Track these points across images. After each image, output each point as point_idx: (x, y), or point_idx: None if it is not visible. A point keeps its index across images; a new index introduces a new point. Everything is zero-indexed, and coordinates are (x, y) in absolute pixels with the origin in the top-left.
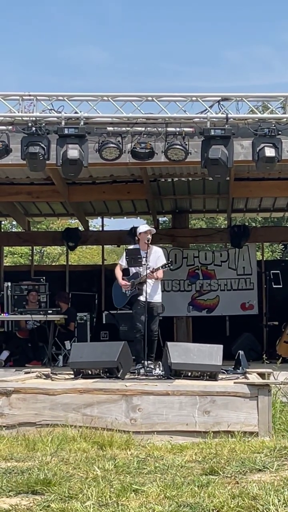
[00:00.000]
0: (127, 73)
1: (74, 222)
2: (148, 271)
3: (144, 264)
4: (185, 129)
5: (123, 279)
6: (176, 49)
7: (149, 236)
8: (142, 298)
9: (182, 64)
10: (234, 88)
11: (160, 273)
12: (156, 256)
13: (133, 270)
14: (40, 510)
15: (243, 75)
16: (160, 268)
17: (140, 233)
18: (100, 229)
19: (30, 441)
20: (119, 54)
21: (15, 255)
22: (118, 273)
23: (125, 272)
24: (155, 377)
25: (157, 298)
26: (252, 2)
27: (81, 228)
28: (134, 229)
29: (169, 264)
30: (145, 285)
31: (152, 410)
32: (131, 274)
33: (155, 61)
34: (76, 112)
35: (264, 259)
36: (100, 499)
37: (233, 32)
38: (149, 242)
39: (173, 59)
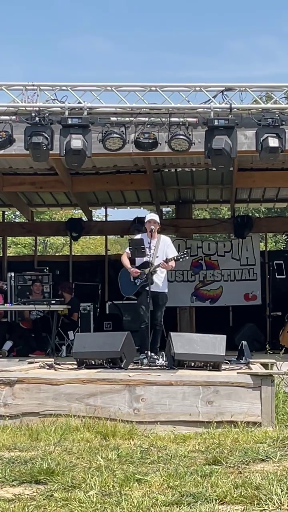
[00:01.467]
0: (131, 63)
1: (78, 213)
2: (160, 260)
3: (148, 255)
4: (189, 119)
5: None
6: (180, 39)
7: (152, 226)
8: (149, 288)
9: (186, 54)
10: (237, 78)
11: (173, 263)
12: (165, 245)
13: (142, 259)
14: (43, 499)
15: (246, 66)
16: (175, 259)
17: (145, 223)
18: (104, 219)
19: (34, 431)
20: (122, 44)
21: (19, 246)
22: (126, 261)
23: (131, 262)
24: (158, 367)
25: (165, 288)
26: None
27: (84, 218)
28: (137, 219)
29: (185, 255)
30: (154, 276)
31: (155, 400)
32: (139, 264)
33: (159, 51)
34: (79, 102)
35: (268, 249)
36: (103, 488)
37: (237, 22)
38: (152, 232)
39: (176, 49)
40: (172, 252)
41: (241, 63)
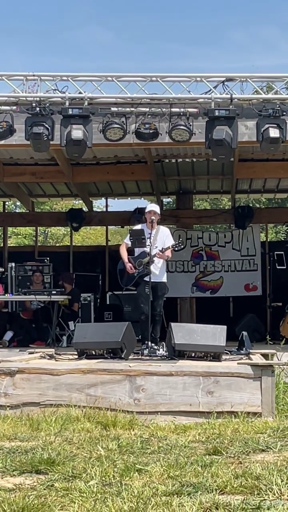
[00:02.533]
0: (132, 53)
1: (78, 203)
2: (157, 250)
3: (148, 245)
4: (190, 109)
5: (128, 259)
6: (181, 29)
7: (153, 217)
8: (147, 278)
9: (188, 44)
10: (239, 69)
11: (169, 253)
12: (164, 236)
13: (140, 250)
14: (44, 489)
15: (248, 56)
16: (170, 247)
17: (145, 213)
18: (104, 209)
19: (34, 421)
20: (124, 34)
21: (19, 236)
22: (124, 253)
23: (130, 252)
24: (159, 357)
25: (164, 278)
26: None
27: (85, 209)
28: (138, 209)
29: (180, 244)
30: (151, 266)
31: (156, 391)
32: (138, 254)
33: (160, 41)
34: (80, 93)
35: (268, 240)
36: (103, 478)
37: (239, 12)
38: (153, 223)
39: (178, 40)
40: (170, 243)
41: (243, 53)
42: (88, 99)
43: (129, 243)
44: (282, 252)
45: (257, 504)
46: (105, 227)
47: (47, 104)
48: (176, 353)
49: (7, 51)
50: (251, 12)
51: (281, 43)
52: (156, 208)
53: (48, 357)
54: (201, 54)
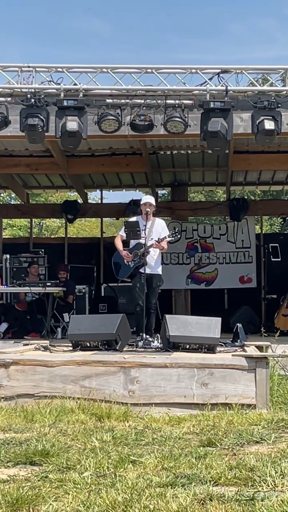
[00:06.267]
0: (129, 45)
1: (73, 195)
2: (153, 241)
3: (143, 237)
4: (185, 101)
5: (124, 250)
6: (180, 21)
7: (148, 209)
8: (142, 270)
9: (186, 36)
10: (236, 61)
11: (165, 244)
12: (160, 227)
13: (135, 241)
14: (38, 480)
15: (246, 48)
16: (167, 237)
17: (140, 205)
18: (99, 201)
19: (29, 413)
20: (121, 26)
21: (14, 228)
22: (119, 244)
23: (125, 244)
24: (154, 349)
25: (159, 270)
26: None
27: (80, 200)
28: (133, 201)
29: (176, 234)
30: (147, 257)
31: (150, 382)
32: (133, 246)
33: (158, 33)
34: (75, 84)
35: (263, 232)
36: (98, 470)
37: (238, 4)
38: (148, 215)
39: (177, 32)
40: (166, 234)
41: (241, 45)
42: (83, 91)
43: (124, 235)
44: (277, 244)
45: (251, 496)
46: (100, 219)
47: (42, 96)
48: (171, 345)
49: (5, 42)
50: (248, 4)
51: (279, 35)
52: (151, 199)
53: (43, 349)
54: (200, 46)
